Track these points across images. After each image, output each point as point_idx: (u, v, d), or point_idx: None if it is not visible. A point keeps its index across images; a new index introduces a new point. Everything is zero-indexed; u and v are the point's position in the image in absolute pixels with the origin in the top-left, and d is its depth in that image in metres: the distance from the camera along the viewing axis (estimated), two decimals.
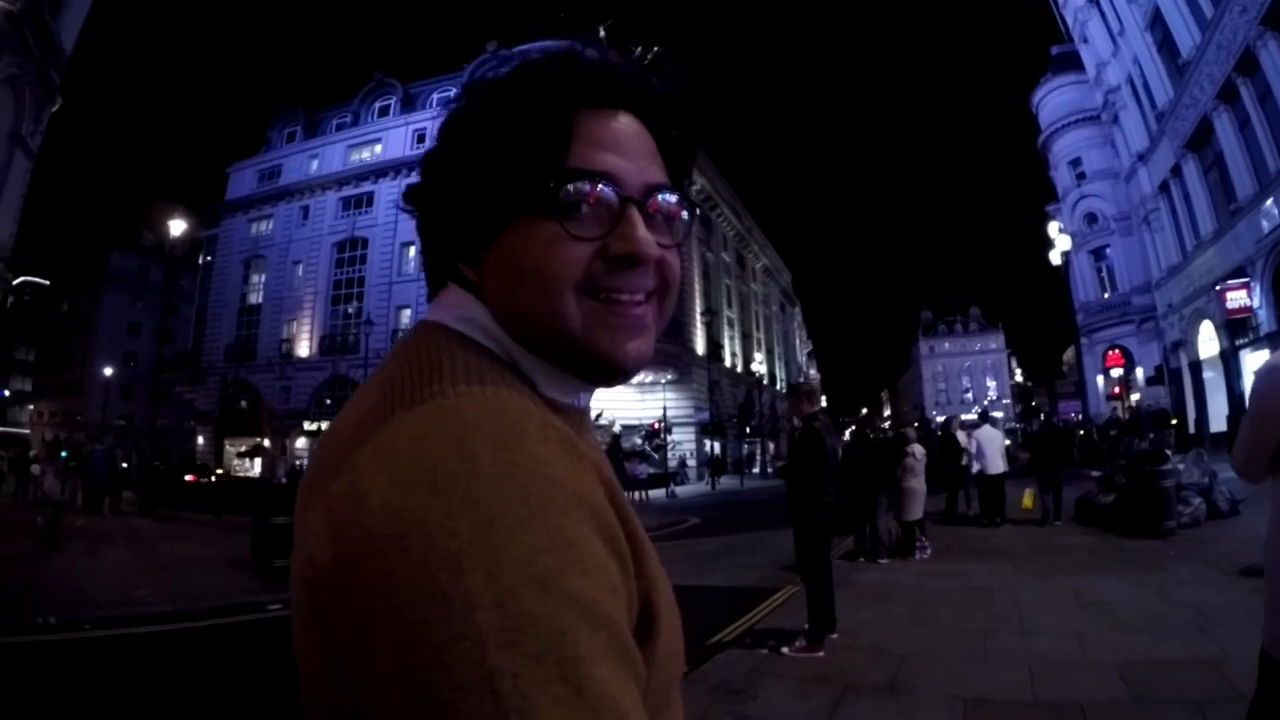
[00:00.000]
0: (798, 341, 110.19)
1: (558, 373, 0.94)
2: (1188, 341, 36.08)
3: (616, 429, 50.13)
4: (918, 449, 14.63)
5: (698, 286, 59.93)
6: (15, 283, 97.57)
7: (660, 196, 0.96)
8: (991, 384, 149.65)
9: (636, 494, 34.24)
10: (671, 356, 52.10)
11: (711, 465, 51.24)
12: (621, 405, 51.40)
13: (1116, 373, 45.36)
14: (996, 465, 17.44)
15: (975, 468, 17.88)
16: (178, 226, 36.75)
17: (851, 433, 18.06)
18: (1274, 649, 2.62)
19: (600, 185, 0.90)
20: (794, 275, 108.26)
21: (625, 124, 0.96)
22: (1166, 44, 32.84)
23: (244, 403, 60.34)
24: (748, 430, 57.13)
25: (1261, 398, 2.68)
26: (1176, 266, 36.37)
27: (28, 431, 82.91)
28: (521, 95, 0.93)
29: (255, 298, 64.90)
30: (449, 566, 0.65)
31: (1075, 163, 51.96)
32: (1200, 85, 29.65)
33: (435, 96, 59.93)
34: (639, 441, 50.29)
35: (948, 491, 18.69)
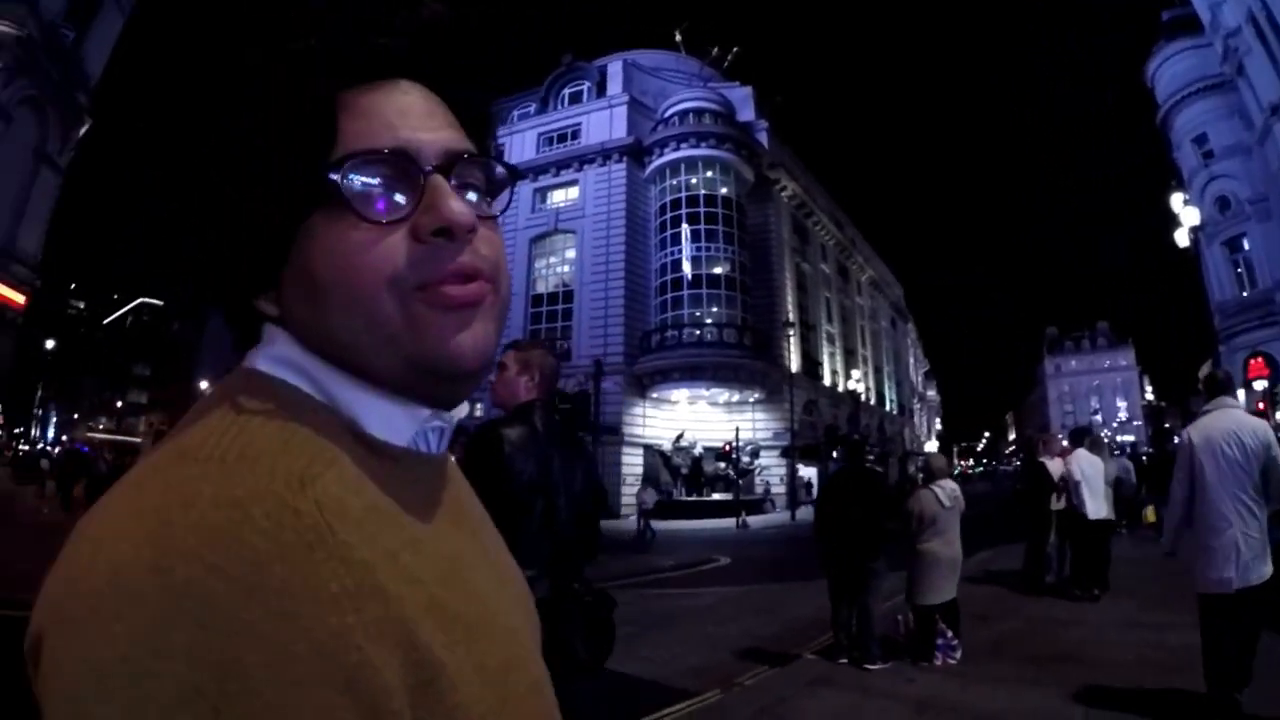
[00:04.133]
0: (911, 359, 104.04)
1: (387, 402, 0.79)
2: None
3: (698, 451, 45.69)
4: (948, 487, 9.00)
5: (790, 298, 55.08)
6: (134, 304, 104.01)
7: (465, 162, 0.81)
8: (1122, 404, 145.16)
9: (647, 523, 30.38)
10: (758, 373, 47.29)
11: (791, 493, 45.78)
12: (705, 426, 46.94)
13: (1261, 385, 37.56)
14: (1095, 506, 11.64)
15: (1061, 504, 12.30)
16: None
17: (839, 454, 10.94)
18: (1215, 589, 5.67)
19: (391, 160, 0.77)
20: (906, 290, 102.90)
21: (408, 92, 0.81)
22: None
23: None
24: (834, 455, 51.37)
25: None
26: None
27: (140, 440, 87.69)
28: (272, 86, 0.79)
29: None
30: (94, 682, 0.55)
31: (1200, 140, 44.92)
32: None
33: (515, 113, 57.33)
34: (722, 466, 45.13)
35: (1027, 543, 12.97)
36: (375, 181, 0.75)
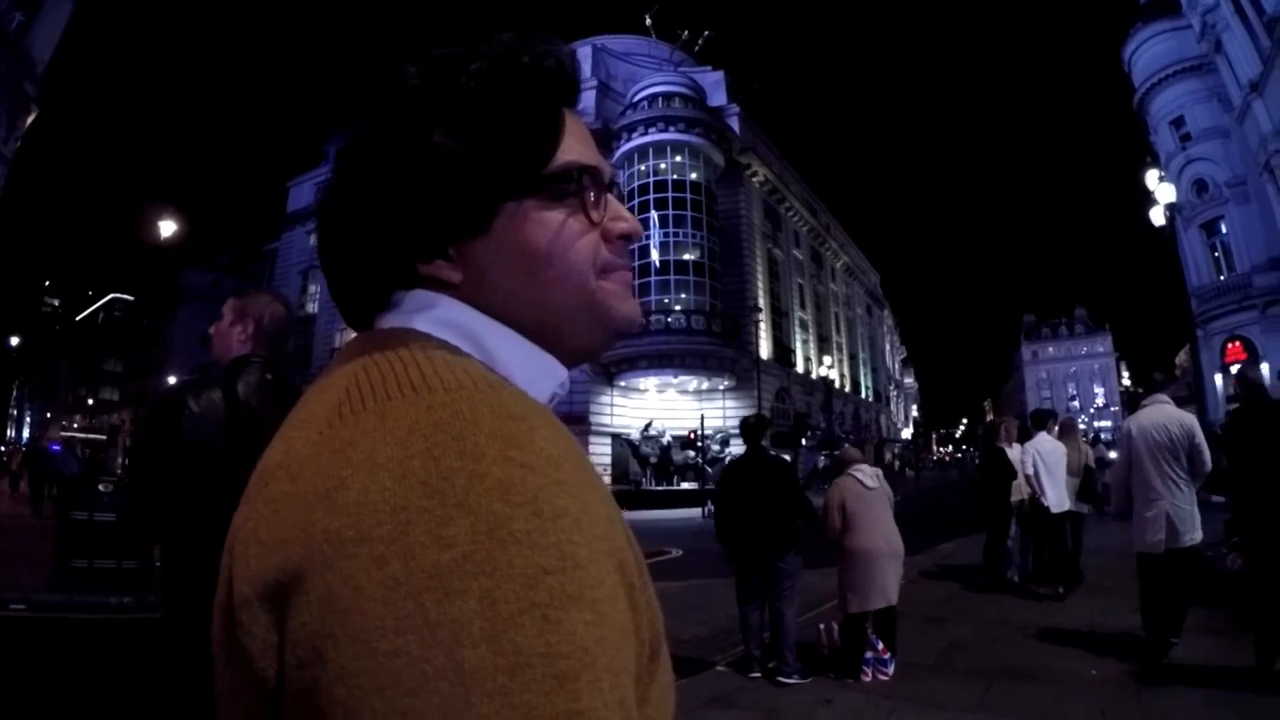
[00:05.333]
0: (888, 347, 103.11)
1: (538, 361, 0.91)
2: None
3: (666, 440, 45.15)
4: (868, 470, 7.86)
5: (761, 284, 54.28)
6: (106, 299, 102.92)
7: (617, 184, 1.00)
8: (1099, 390, 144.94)
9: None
10: (727, 360, 46.61)
11: None
12: (674, 414, 46.53)
13: (1238, 368, 36.30)
14: (1057, 497, 10.59)
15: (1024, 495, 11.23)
16: (168, 227, 32.63)
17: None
18: (1148, 549, 6.89)
19: (601, 174, 0.93)
20: (883, 277, 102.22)
21: (580, 119, 0.99)
22: None
23: None
24: (803, 442, 50.62)
25: None
26: None
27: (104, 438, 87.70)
28: (517, 86, 0.90)
29: (312, 307, 65.59)
30: (436, 585, 0.57)
31: (1178, 122, 44.70)
32: None
33: None
34: (691, 455, 44.15)
35: (986, 537, 11.82)
36: (593, 187, 0.90)
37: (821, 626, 7.93)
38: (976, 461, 13.79)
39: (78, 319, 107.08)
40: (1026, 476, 10.83)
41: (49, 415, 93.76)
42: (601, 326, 0.92)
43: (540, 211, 0.88)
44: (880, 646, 7.34)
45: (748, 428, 7.94)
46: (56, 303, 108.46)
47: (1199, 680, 6.51)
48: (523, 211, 0.87)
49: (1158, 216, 22.65)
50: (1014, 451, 11.38)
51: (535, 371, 0.87)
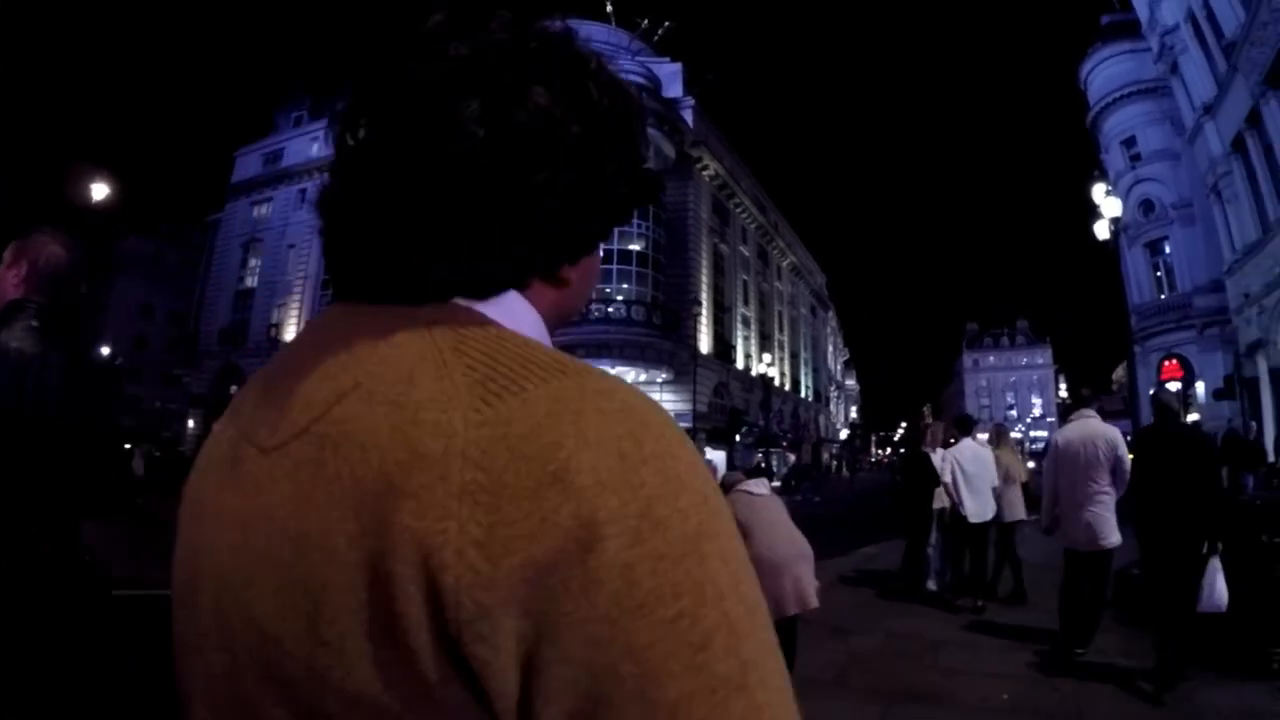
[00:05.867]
0: (831, 348, 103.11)
1: None
2: (1270, 342, 28.47)
3: None
4: (751, 483, 7.17)
5: (705, 278, 53.70)
6: None
7: None
8: (1037, 401, 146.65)
9: None
10: (666, 353, 45.99)
11: None
12: None
13: (1174, 386, 36.69)
14: (976, 507, 9.99)
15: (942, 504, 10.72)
16: (100, 190, 31.63)
17: None
18: (1071, 546, 7.53)
19: None
20: (830, 278, 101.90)
21: None
22: None
23: (234, 388, 56.11)
24: (737, 439, 50.20)
25: None
26: (1256, 244, 28.79)
27: None
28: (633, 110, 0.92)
29: (251, 281, 63.92)
30: (692, 550, 0.62)
31: (1129, 142, 45.03)
32: None
33: None
34: None
35: (906, 544, 11.40)
36: None
37: None
38: (898, 464, 13.25)
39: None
40: (944, 484, 10.29)
41: None
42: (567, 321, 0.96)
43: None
44: None
45: None
46: None
47: (1104, 677, 6.82)
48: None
49: (1103, 231, 22.56)
50: (938, 456, 10.79)
51: (541, 339, 0.84)
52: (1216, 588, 6.31)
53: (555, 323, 0.90)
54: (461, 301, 0.79)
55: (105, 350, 71.89)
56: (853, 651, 8.00)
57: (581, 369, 0.69)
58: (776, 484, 48.21)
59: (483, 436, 0.62)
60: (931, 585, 10.97)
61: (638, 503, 0.60)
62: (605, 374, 0.70)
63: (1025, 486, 10.89)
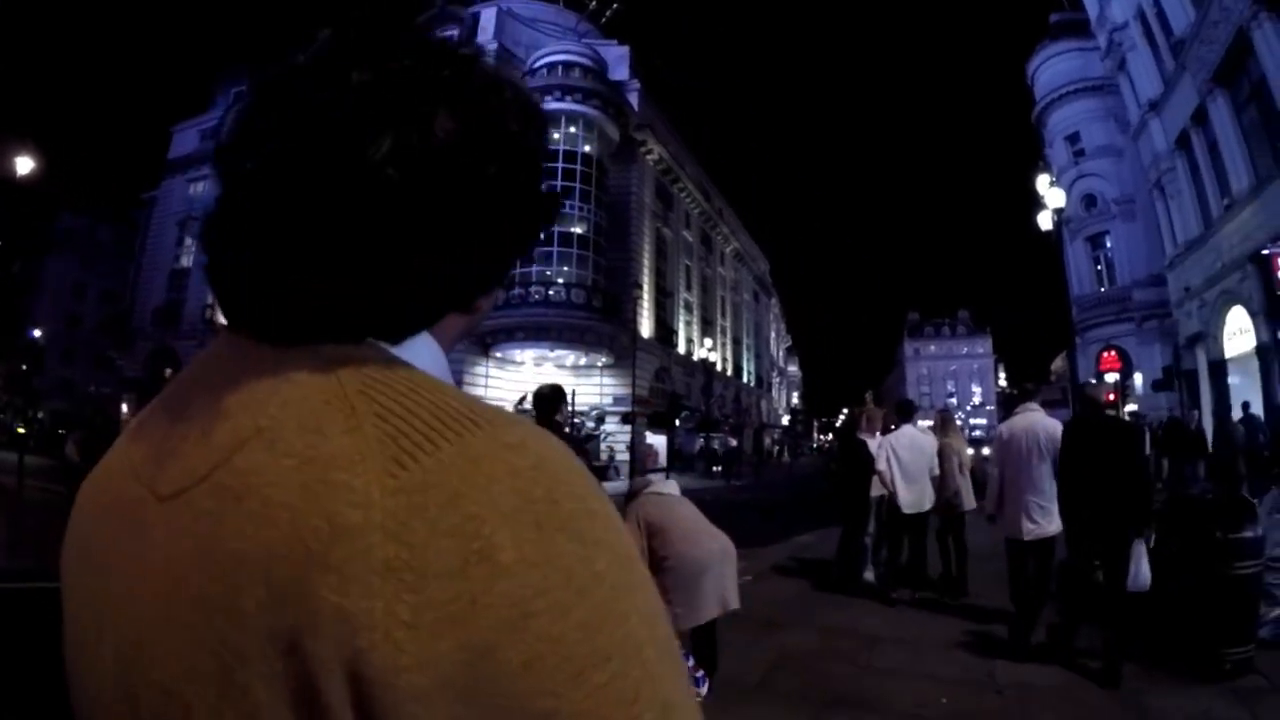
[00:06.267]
0: (773, 334, 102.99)
1: (443, 365, 0.87)
2: (1209, 335, 28.64)
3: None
4: (655, 483, 6.82)
5: (647, 263, 53.12)
6: None
7: None
8: (977, 389, 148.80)
9: None
10: (605, 336, 45.29)
11: (634, 462, 42.56)
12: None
13: (1112, 377, 37.20)
14: (912, 496, 9.63)
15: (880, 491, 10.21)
16: (25, 164, 30.73)
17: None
18: (1013, 535, 7.69)
19: None
20: (773, 265, 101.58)
21: None
22: None
23: (168, 370, 54.64)
24: (677, 423, 49.77)
25: None
26: (1198, 239, 28.99)
27: None
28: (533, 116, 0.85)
29: (187, 261, 60.86)
30: (612, 614, 0.62)
31: (1073, 138, 46.03)
32: None
33: None
34: (566, 431, 41.92)
35: (842, 532, 10.72)
36: None
37: None
38: (832, 450, 12.87)
39: None
40: (878, 472, 9.83)
41: None
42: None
43: None
44: (691, 663, 6.16)
45: (541, 398, 6.69)
46: None
47: (1049, 678, 6.57)
48: None
49: (1046, 222, 22.68)
50: (874, 443, 10.35)
51: (441, 374, 0.79)
52: (1142, 569, 6.56)
53: (456, 342, 0.88)
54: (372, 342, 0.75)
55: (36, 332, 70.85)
56: (783, 649, 7.50)
57: (492, 418, 0.66)
58: (717, 469, 48.23)
59: (400, 506, 0.59)
60: (868, 576, 10.52)
61: (559, 574, 0.59)
62: (515, 422, 0.68)
63: (972, 474, 10.56)
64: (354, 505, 0.59)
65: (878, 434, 10.58)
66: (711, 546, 6.18)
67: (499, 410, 0.68)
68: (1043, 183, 22.11)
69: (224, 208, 0.74)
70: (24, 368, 76.37)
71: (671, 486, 6.72)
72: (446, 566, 0.58)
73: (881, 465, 9.72)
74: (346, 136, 0.68)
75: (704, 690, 6.16)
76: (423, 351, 0.78)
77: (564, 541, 0.61)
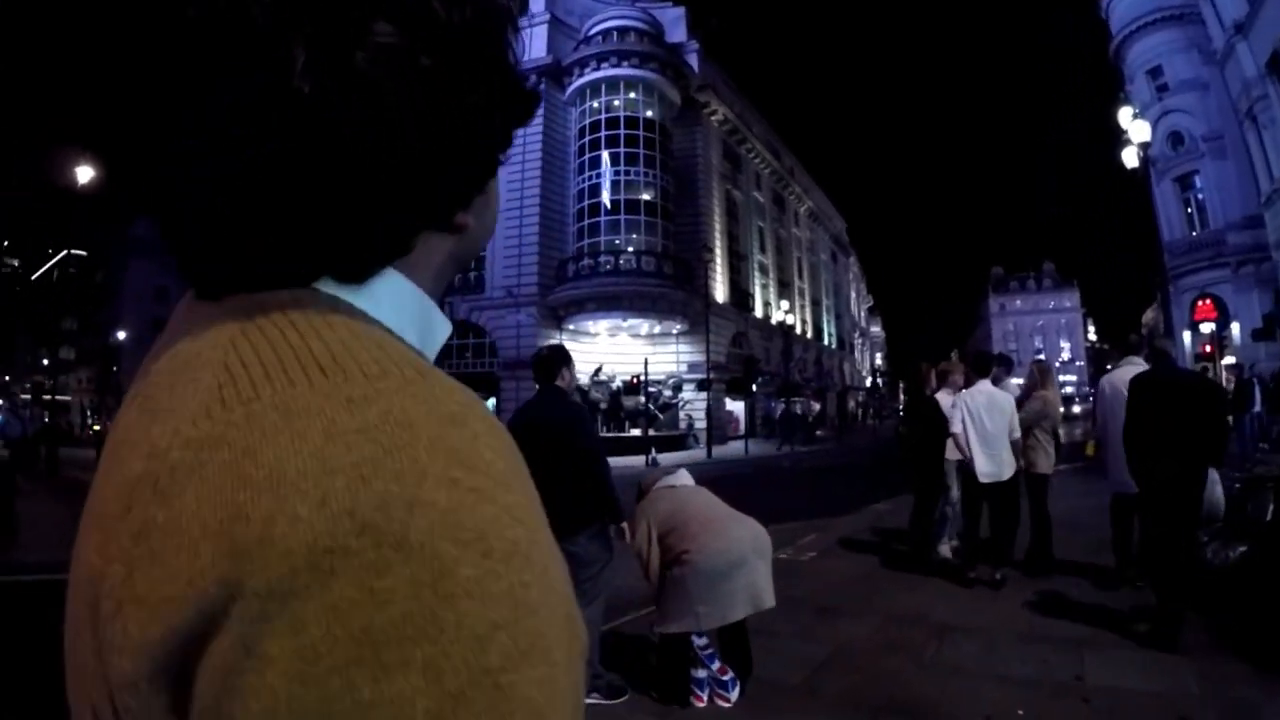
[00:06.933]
0: (853, 294, 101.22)
1: (429, 316, 0.74)
2: None
3: (617, 385, 43.22)
4: (668, 478, 6.20)
5: (718, 226, 52.00)
6: (60, 255, 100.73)
7: None
8: (1065, 345, 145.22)
9: None
10: (678, 303, 44.31)
11: (710, 430, 41.84)
12: (627, 359, 44.12)
13: (1208, 327, 34.01)
14: (990, 465, 8.53)
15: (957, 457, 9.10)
16: (85, 173, 31.07)
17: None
18: (1119, 490, 7.64)
19: None
20: (849, 223, 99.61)
21: None
22: None
23: None
24: (753, 389, 48.50)
25: None
26: None
27: (69, 398, 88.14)
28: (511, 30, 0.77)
29: None
30: (369, 656, 0.45)
31: (1155, 73, 43.16)
32: None
33: None
34: (643, 401, 41.84)
35: (915, 503, 9.79)
36: None
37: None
38: (900, 412, 11.85)
39: (33, 278, 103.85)
40: (953, 435, 8.79)
41: (7, 378, 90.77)
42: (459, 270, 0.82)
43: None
44: (716, 665, 5.40)
45: (540, 360, 5.83)
46: (16, 263, 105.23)
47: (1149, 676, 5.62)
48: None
49: (1131, 159, 21.13)
50: (948, 401, 9.35)
51: (425, 326, 0.72)
52: (1215, 493, 6.73)
53: (454, 269, 0.77)
54: (329, 286, 0.63)
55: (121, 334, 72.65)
56: (836, 642, 6.57)
57: (374, 372, 0.54)
58: (795, 435, 47.13)
59: (182, 461, 0.51)
60: (944, 551, 9.58)
61: (310, 575, 0.45)
62: (416, 382, 0.55)
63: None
64: (140, 456, 0.53)
65: (953, 392, 9.49)
66: (740, 534, 5.33)
67: (399, 370, 0.55)
68: (1125, 116, 20.85)
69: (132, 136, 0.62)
70: (114, 369, 78.40)
71: (684, 478, 5.98)
72: (187, 535, 0.48)
73: (956, 427, 8.70)
74: (259, 49, 0.55)
75: (734, 695, 5.37)
76: (382, 296, 0.66)
77: (344, 534, 0.46)
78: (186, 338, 0.60)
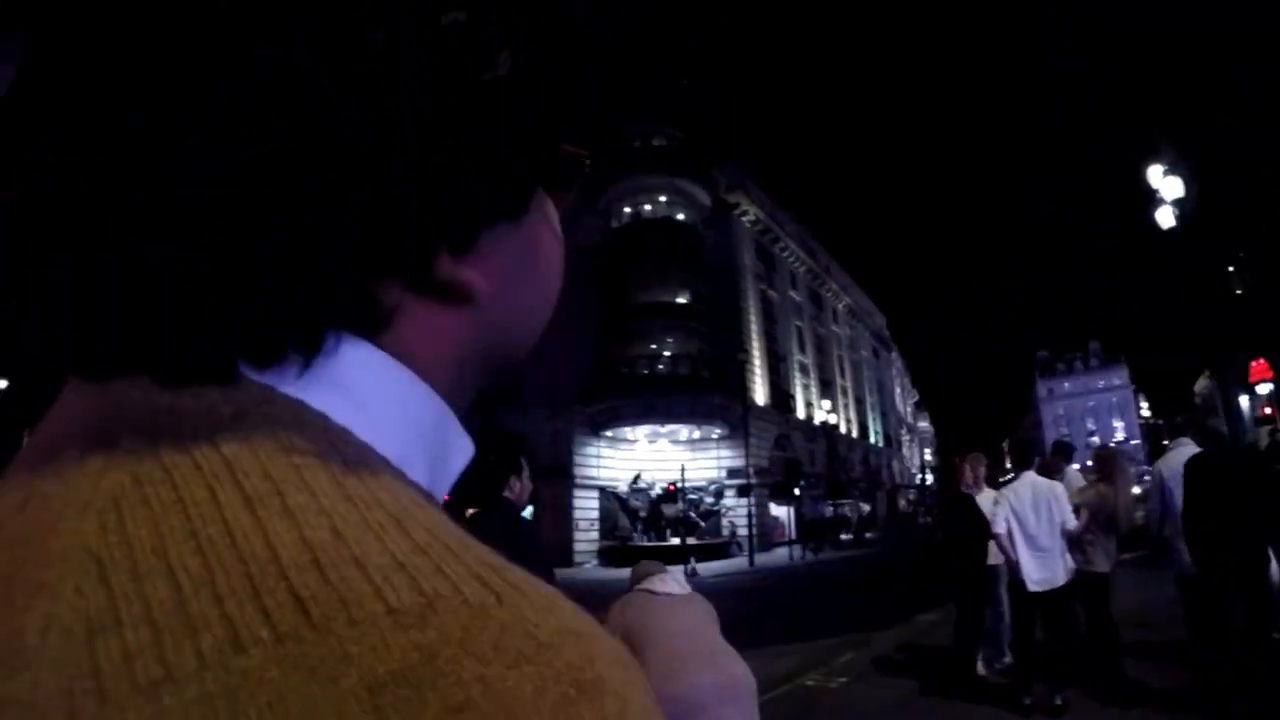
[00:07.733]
0: (898, 389, 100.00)
1: (445, 433, 0.52)
2: None
3: (656, 492, 42.00)
4: (665, 578, 4.37)
5: (755, 327, 51.25)
6: None
7: None
8: (1119, 424, 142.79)
9: None
10: (716, 408, 43.35)
11: (752, 537, 40.21)
12: (666, 465, 42.89)
13: (1265, 388, 33.17)
14: (1042, 570, 7.27)
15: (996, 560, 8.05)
16: None
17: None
18: (1180, 572, 6.91)
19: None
20: (889, 318, 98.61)
21: None
22: None
23: None
24: (795, 492, 47.17)
25: None
26: None
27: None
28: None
29: None
30: None
31: None
32: None
33: None
34: (680, 508, 40.77)
35: (957, 615, 8.52)
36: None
37: None
38: (930, 515, 10.70)
39: None
40: (996, 537, 7.53)
41: None
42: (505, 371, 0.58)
43: (542, 207, 0.56)
44: None
45: (476, 468, 4.47)
46: None
47: None
48: (542, 200, 0.56)
49: (1166, 218, 20.02)
50: (988, 498, 8.13)
51: (440, 449, 0.50)
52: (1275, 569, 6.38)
53: (482, 369, 0.55)
54: (256, 377, 0.41)
55: None
56: None
57: (438, 596, 0.32)
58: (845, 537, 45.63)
59: None
60: (998, 668, 8.39)
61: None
62: (513, 610, 0.33)
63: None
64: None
65: (986, 488, 8.39)
66: (702, 680, 3.92)
67: (469, 563, 0.35)
68: (1155, 174, 19.80)
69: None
70: None
71: (670, 584, 4.42)
72: None
73: (1000, 528, 7.46)
74: (255, 44, 0.42)
75: None
76: (369, 397, 0.44)
77: None
78: (47, 468, 0.38)
